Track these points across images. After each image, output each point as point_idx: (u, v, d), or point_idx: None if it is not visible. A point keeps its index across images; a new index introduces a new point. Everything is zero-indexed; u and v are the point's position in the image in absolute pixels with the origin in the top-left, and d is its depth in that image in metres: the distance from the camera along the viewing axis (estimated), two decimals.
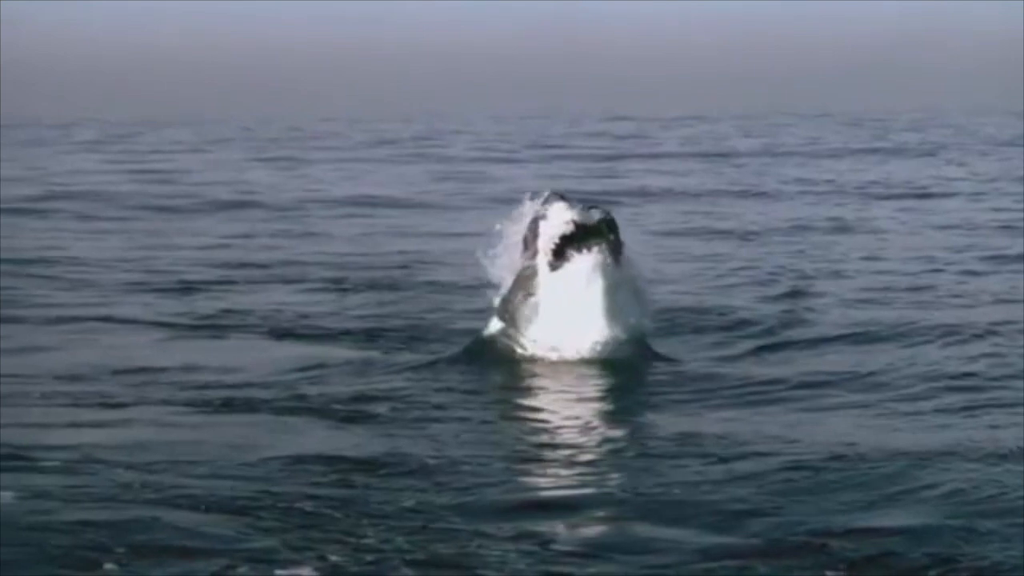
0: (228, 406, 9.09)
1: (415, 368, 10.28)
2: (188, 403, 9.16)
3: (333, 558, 6.29)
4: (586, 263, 9.79)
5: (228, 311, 12.85)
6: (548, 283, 9.97)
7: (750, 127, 55.12)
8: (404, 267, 15.95)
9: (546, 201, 10.00)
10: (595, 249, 9.79)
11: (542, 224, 9.93)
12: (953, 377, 9.98)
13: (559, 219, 9.87)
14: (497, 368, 10.12)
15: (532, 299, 10.06)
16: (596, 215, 9.93)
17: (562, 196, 10.00)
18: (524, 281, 10.10)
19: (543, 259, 9.93)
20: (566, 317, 9.95)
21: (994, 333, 11.48)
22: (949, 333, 11.57)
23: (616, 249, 9.90)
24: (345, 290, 14.22)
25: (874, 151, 38.70)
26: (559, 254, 9.85)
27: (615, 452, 8.21)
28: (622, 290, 9.96)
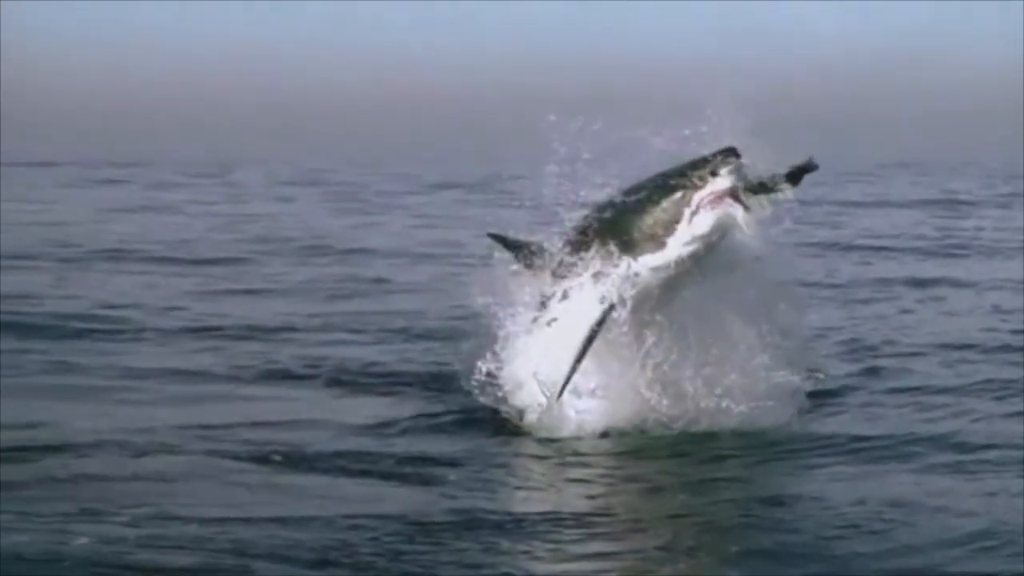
0: (293, 462, 9.00)
1: (481, 424, 10.16)
2: (253, 458, 9.08)
3: None
4: (717, 214, 9.49)
5: (294, 360, 12.78)
6: (683, 231, 9.56)
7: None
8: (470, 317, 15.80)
9: (725, 154, 9.45)
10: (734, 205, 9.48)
11: (712, 179, 9.46)
12: None
13: (726, 184, 9.46)
14: (561, 426, 9.90)
15: (656, 241, 9.62)
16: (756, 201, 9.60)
17: (738, 155, 9.44)
18: (658, 223, 9.63)
19: (689, 210, 9.53)
20: (685, 262, 9.62)
21: None
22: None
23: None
24: (411, 340, 14.11)
25: (946, 203, 38.41)
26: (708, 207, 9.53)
27: (687, 509, 8.19)
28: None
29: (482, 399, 10.22)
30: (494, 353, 10.21)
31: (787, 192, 9.72)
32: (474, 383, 10.26)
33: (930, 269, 22.06)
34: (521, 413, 10.00)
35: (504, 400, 10.13)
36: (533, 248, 10.22)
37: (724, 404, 9.77)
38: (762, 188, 9.66)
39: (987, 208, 36.66)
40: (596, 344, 9.64)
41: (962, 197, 40.70)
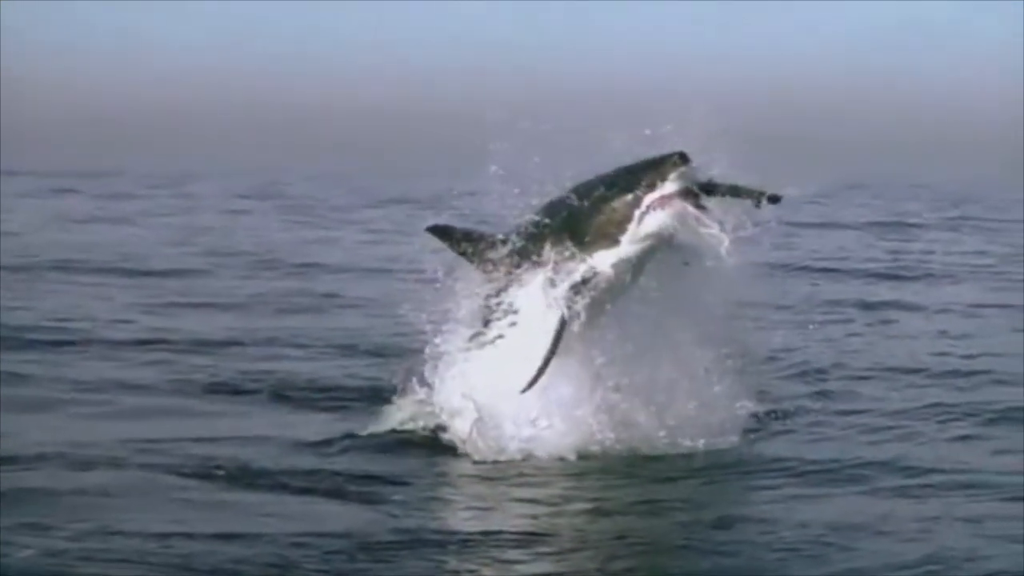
0: (237, 478, 8.99)
1: (425, 442, 10.09)
2: (197, 474, 9.07)
3: None
4: (666, 215, 9.48)
5: (240, 375, 12.76)
6: (634, 231, 9.52)
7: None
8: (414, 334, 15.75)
9: (676, 160, 9.40)
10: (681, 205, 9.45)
11: (661, 183, 9.41)
12: (973, 467, 9.77)
13: (674, 188, 9.43)
14: (505, 445, 9.81)
15: (609, 239, 9.58)
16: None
17: (687, 161, 9.40)
18: (611, 222, 9.60)
19: (640, 211, 9.50)
20: (634, 262, 9.66)
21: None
22: (971, 413, 11.49)
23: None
24: (358, 356, 14.09)
25: (896, 225, 38.51)
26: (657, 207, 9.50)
27: (631, 531, 8.19)
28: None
29: (410, 425, 10.21)
30: (421, 377, 10.23)
31: (761, 204, 9.68)
32: (400, 407, 10.32)
33: (879, 292, 22.11)
34: (463, 441, 9.86)
35: (441, 428, 10.05)
36: (481, 241, 10.12)
37: (677, 439, 9.75)
38: (732, 192, 9.65)
39: (936, 231, 36.79)
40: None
41: (912, 220, 40.81)
